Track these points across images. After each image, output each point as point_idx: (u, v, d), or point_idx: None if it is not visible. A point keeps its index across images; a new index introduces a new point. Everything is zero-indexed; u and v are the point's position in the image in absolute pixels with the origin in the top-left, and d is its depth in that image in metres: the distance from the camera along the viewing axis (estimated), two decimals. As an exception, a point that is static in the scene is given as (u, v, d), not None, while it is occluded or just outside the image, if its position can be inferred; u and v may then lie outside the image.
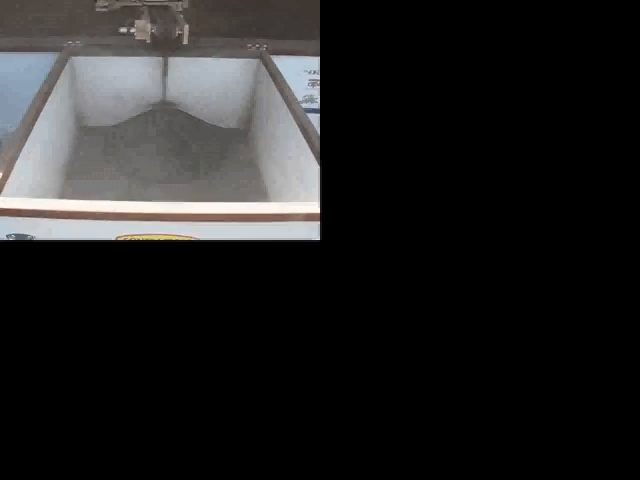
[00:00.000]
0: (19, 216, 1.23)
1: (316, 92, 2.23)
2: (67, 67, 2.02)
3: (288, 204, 1.30)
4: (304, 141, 1.62)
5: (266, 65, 2.10)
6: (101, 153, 2.10)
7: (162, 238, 1.28)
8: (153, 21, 2.02)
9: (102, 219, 1.22)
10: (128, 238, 1.27)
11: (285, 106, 1.83)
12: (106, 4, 2.06)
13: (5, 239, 1.26)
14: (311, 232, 1.12)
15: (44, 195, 1.66)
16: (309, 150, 1.56)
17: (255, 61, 2.19)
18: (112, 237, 1.26)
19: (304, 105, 1.99)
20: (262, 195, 1.96)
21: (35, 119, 1.61)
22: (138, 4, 2.08)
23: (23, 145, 1.47)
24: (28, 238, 1.26)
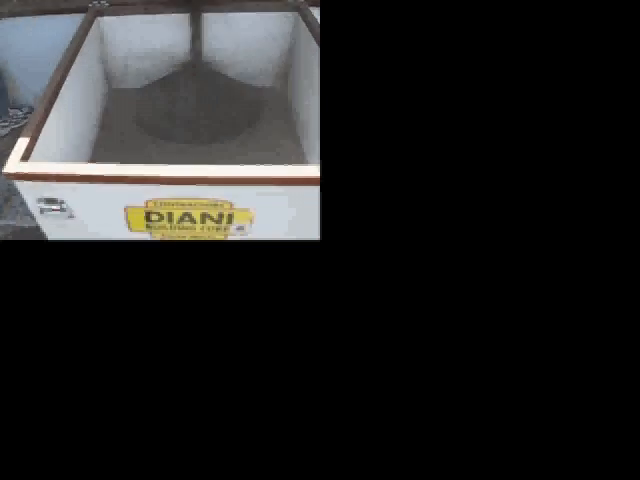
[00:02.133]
0: (48, 181, 1.17)
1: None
2: (94, 28, 1.95)
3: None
4: None
5: (305, 18, 1.96)
6: (132, 115, 2.03)
7: (194, 202, 1.20)
8: (183, -26, 1.92)
9: (132, 183, 1.15)
10: (158, 202, 1.20)
11: None
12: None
13: (37, 204, 1.22)
14: None
15: (74, 159, 1.61)
16: None
17: (293, 14, 2.05)
18: (142, 201, 1.20)
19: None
20: (299, 155, 1.86)
21: (62, 83, 1.55)
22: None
23: (50, 110, 1.42)
24: (58, 202, 1.21)
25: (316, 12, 1.97)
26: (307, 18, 1.94)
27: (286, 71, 2.17)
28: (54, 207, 1.22)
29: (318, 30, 1.86)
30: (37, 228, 1.33)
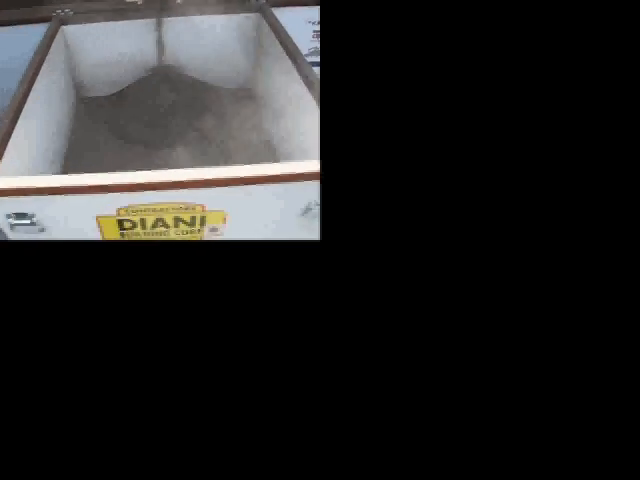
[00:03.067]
0: (16, 195, 1.17)
1: (321, 44, 2.10)
2: (58, 37, 1.93)
3: (294, 164, 1.23)
4: (310, 96, 1.53)
5: (267, 19, 1.98)
6: (102, 123, 2.02)
7: (166, 207, 1.21)
8: (143, -20, 1.92)
9: (103, 192, 1.16)
10: (130, 209, 1.20)
11: (289, 61, 1.73)
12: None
13: (6, 219, 1.22)
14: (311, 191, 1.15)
15: (43, 172, 1.60)
16: (315, 104, 1.47)
17: (255, 15, 2.07)
18: (113, 210, 1.20)
19: (309, 59, 1.87)
20: (270, 154, 1.88)
21: (27, 94, 1.54)
22: (126, -38, 1.96)
23: (16, 122, 1.41)
24: (28, 217, 1.21)
25: (277, 12, 1.98)
26: (269, 19, 1.96)
27: (252, 73, 2.18)
28: (24, 221, 1.22)
29: (281, 30, 1.87)
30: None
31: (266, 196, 1.25)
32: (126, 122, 1.98)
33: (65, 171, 1.75)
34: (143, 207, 1.20)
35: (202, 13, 2.01)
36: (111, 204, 1.20)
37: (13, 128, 1.39)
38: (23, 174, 1.34)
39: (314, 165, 1.17)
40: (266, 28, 1.98)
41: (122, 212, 1.21)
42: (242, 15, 2.06)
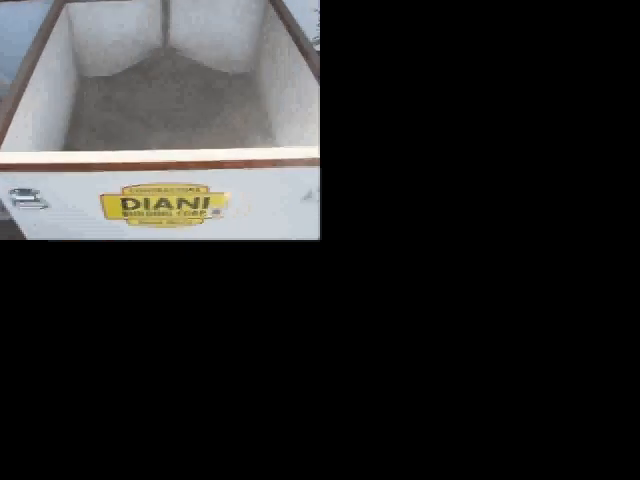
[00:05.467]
0: (21, 170, 1.17)
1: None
2: (62, 15, 1.92)
3: (297, 149, 1.24)
4: (316, 84, 1.53)
5: (274, 4, 1.97)
6: (103, 102, 2.01)
7: (170, 187, 1.22)
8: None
9: (107, 170, 1.16)
10: (135, 189, 1.21)
11: (296, 48, 1.73)
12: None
13: (9, 195, 1.22)
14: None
15: (46, 148, 1.60)
16: (319, 90, 1.48)
17: (263, 0, 2.06)
18: (118, 188, 1.21)
19: (316, 47, 1.87)
20: (269, 141, 1.88)
21: (31, 70, 1.53)
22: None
23: (20, 98, 1.40)
24: (32, 193, 1.21)
25: (285, -1, 1.98)
26: (277, 5, 1.95)
27: (256, 58, 2.17)
28: (28, 197, 1.22)
29: (287, 15, 1.87)
30: (9, 222, 1.32)
31: (268, 180, 1.25)
32: (126, 102, 1.97)
33: (67, 147, 1.75)
34: (148, 187, 1.21)
35: (208, -4, 2.00)
36: (116, 183, 1.20)
37: (17, 104, 1.38)
38: (27, 150, 1.34)
39: (316, 151, 1.18)
40: (273, 14, 1.97)
41: (126, 192, 1.22)
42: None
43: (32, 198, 1.22)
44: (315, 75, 1.58)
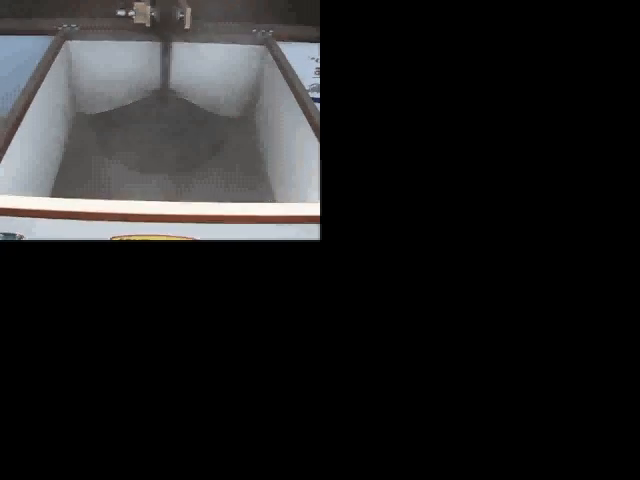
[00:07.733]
0: (7, 215, 1.15)
1: (324, 81, 2.13)
2: (62, 51, 1.93)
3: (289, 205, 1.24)
4: (311, 131, 1.54)
5: (272, 52, 2.00)
6: (97, 141, 2.01)
7: (159, 239, 1.20)
8: (153, 3, 1.92)
9: (97, 219, 1.14)
10: (124, 239, 1.19)
11: (292, 96, 1.75)
12: (103, -16, 1.96)
13: (-7, 237, 1.19)
14: (311, 233, 1.11)
15: (36, 187, 1.58)
16: (316, 140, 1.49)
17: (260, 47, 2.09)
18: (107, 237, 1.19)
19: (311, 95, 1.90)
20: (264, 189, 1.89)
21: (27, 106, 1.53)
22: (137, -16, 1.97)
23: (13, 136, 1.39)
24: (17, 237, 1.19)
25: (282, 46, 2.01)
26: (274, 52, 1.99)
27: (253, 103, 2.20)
28: (12, 240, 1.19)
29: (285, 64, 1.90)
30: None
31: (259, 234, 1.24)
32: (120, 142, 1.97)
33: (59, 189, 1.73)
34: (139, 237, 1.19)
35: (209, 41, 2.03)
36: (106, 231, 1.18)
37: (10, 141, 1.37)
38: (17, 190, 1.32)
39: (309, 208, 1.18)
40: (270, 61, 2.01)
41: (117, 240, 1.19)
42: (248, 46, 2.09)
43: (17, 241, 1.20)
44: (311, 123, 1.59)
